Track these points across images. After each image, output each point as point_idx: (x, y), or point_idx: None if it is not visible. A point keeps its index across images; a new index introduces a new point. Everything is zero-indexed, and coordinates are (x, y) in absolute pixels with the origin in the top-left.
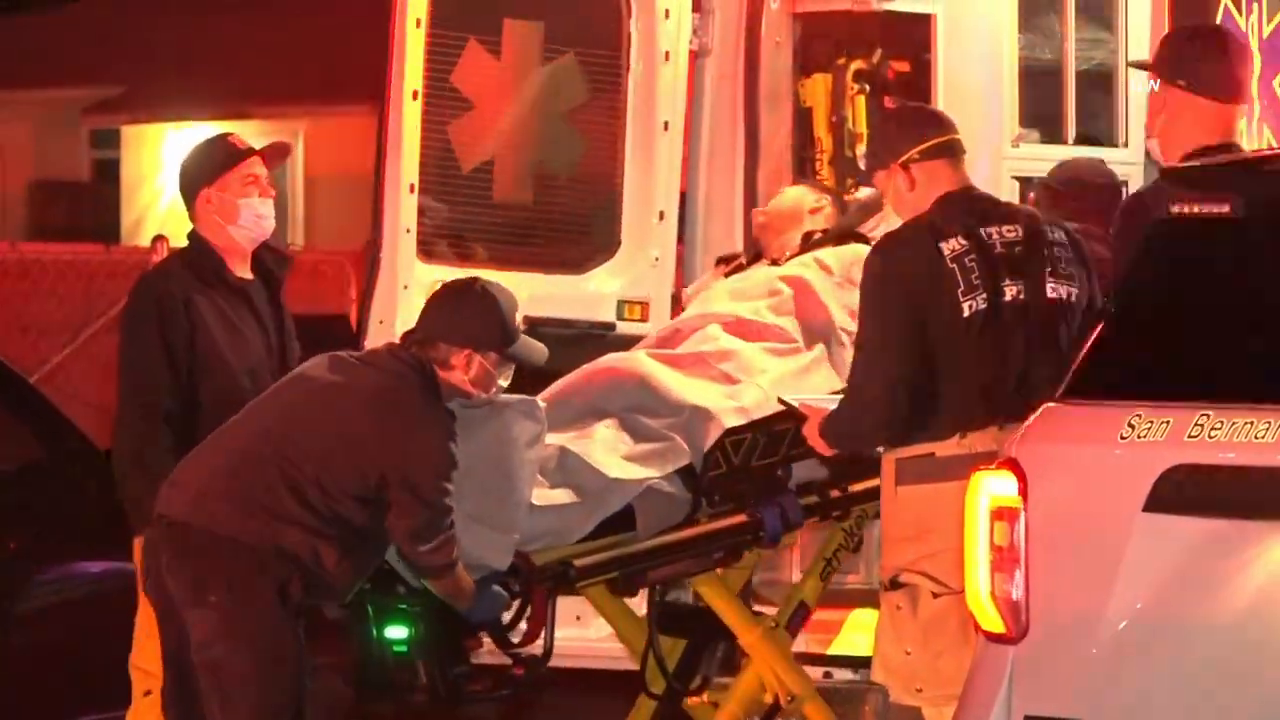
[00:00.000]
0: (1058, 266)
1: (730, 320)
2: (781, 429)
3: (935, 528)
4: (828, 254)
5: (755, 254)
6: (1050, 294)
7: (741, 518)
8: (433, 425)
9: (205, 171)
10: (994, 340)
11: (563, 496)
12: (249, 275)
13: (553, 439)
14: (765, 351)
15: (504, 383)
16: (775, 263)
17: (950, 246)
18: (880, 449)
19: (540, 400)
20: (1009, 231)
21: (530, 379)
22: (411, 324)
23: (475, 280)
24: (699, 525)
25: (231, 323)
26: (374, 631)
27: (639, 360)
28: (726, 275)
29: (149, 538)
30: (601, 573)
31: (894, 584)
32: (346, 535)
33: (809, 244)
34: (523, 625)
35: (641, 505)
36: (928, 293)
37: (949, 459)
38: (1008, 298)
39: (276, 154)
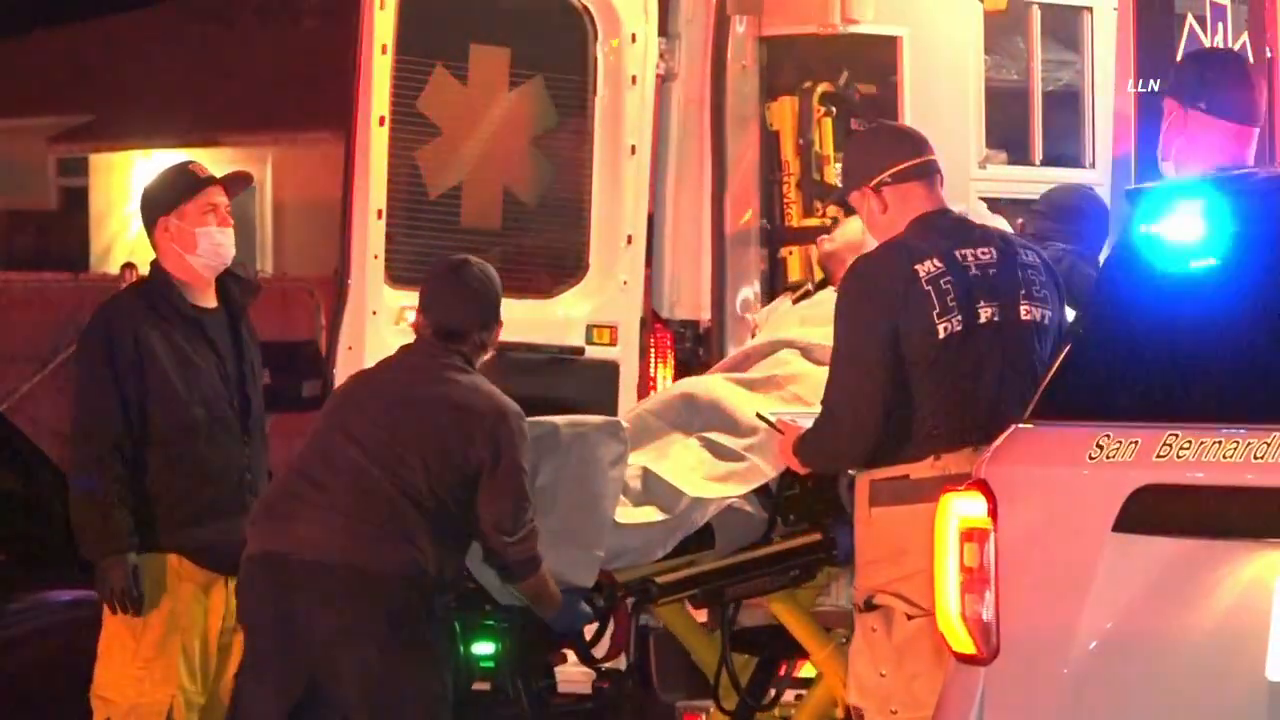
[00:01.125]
0: (1031, 289)
1: (801, 345)
2: None
3: (910, 549)
4: None
5: (822, 281)
6: (1024, 315)
7: (816, 536)
8: (511, 412)
9: (164, 200)
10: (969, 362)
11: (645, 515)
12: (211, 304)
13: (634, 459)
14: None
15: None
16: None
17: (925, 268)
18: (853, 470)
19: (623, 421)
20: (983, 254)
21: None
22: (381, 351)
23: (453, 261)
24: (775, 544)
25: (185, 354)
26: (461, 648)
27: (714, 383)
28: (795, 302)
29: (253, 573)
30: (683, 590)
31: (869, 605)
32: (459, 540)
33: None
34: (606, 640)
35: (721, 524)
36: (903, 314)
37: (924, 480)
38: (982, 319)
39: (237, 183)
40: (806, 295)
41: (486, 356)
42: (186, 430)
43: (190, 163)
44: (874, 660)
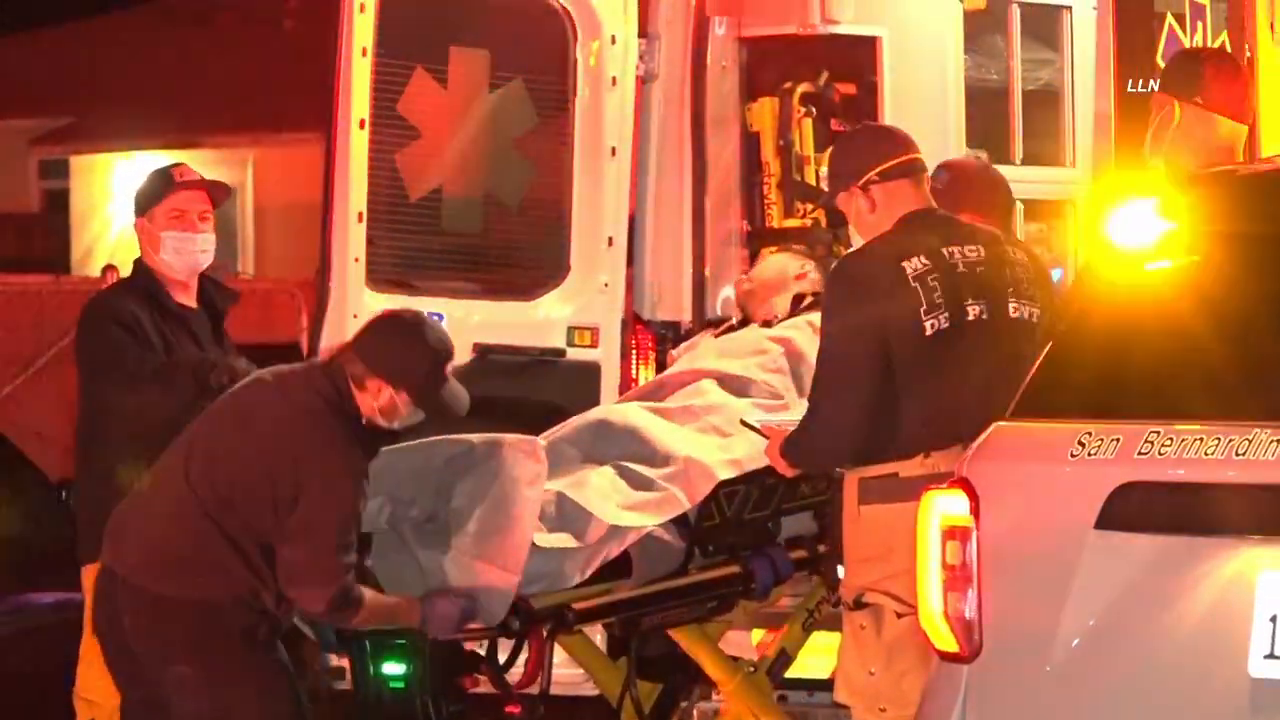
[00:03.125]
0: (1019, 286)
1: (718, 375)
2: (773, 482)
3: (899, 547)
4: (818, 317)
5: (744, 319)
6: (1013, 313)
7: (734, 568)
8: (336, 454)
9: (140, 201)
10: (957, 359)
11: (562, 541)
12: (191, 303)
13: (550, 485)
14: (754, 406)
15: (413, 419)
16: (767, 324)
17: (913, 266)
18: (840, 470)
19: (541, 440)
20: (971, 251)
21: (482, 411)
22: None
23: (420, 318)
24: (693, 575)
25: (170, 345)
26: (371, 668)
27: (631, 411)
28: (716, 336)
29: (102, 585)
30: (599, 617)
31: (858, 604)
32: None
33: (799, 308)
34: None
35: (638, 552)
36: (890, 312)
37: (913, 479)
38: (970, 317)
39: (216, 190)
40: (730, 330)
41: (369, 408)
42: (166, 425)
43: (176, 165)
44: (863, 658)
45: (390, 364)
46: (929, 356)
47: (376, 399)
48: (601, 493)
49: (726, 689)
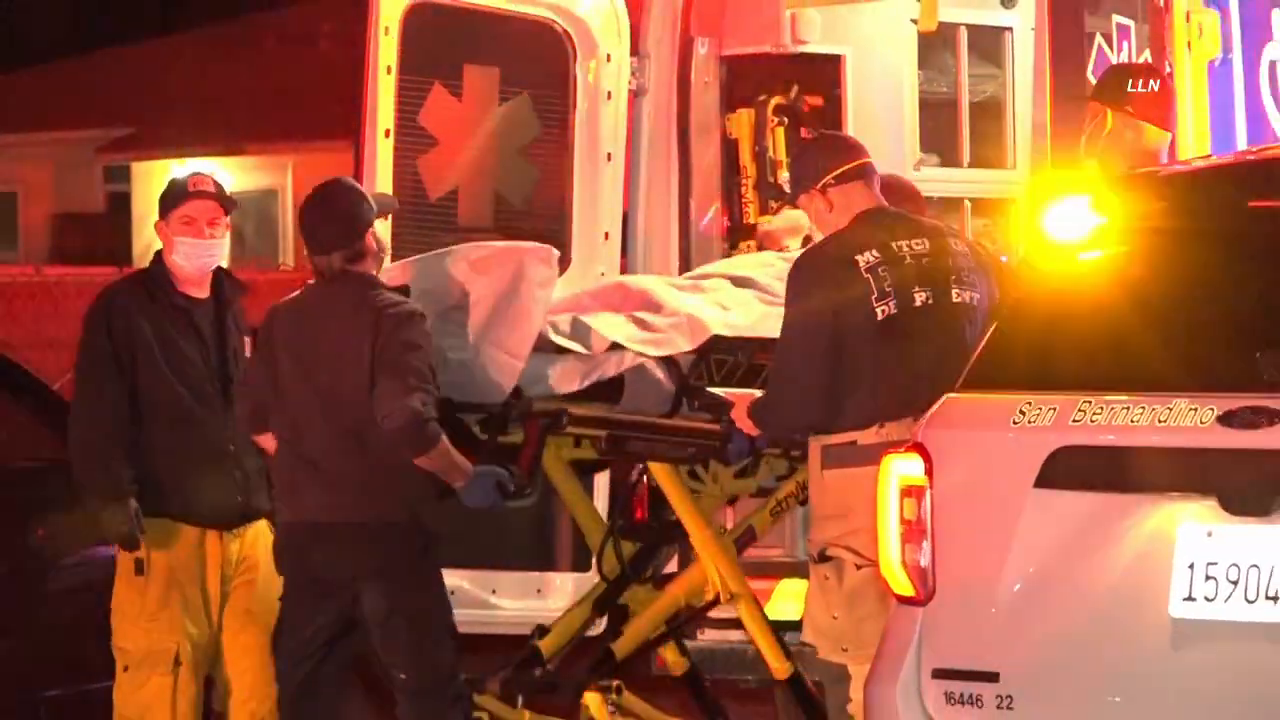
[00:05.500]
0: (961, 275)
1: (729, 276)
2: (760, 364)
3: (857, 508)
4: None
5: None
6: (955, 299)
7: (715, 428)
8: (392, 308)
9: (160, 206)
10: (906, 341)
11: (572, 345)
12: (202, 294)
13: (566, 316)
14: (755, 298)
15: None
16: None
17: (864, 259)
18: (803, 436)
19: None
20: (917, 245)
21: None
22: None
23: (325, 189)
24: (676, 419)
25: (171, 337)
26: None
27: (646, 279)
28: None
29: (286, 538)
30: (591, 427)
31: (822, 557)
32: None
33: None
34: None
35: (632, 380)
36: (845, 300)
37: (870, 446)
38: (917, 303)
39: (225, 201)
40: None
41: (375, 258)
42: (172, 405)
43: (192, 175)
44: (827, 605)
45: (360, 220)
46: (881, 338)
47: (369, 254)
48: (611, 322)
49: (698, 539)
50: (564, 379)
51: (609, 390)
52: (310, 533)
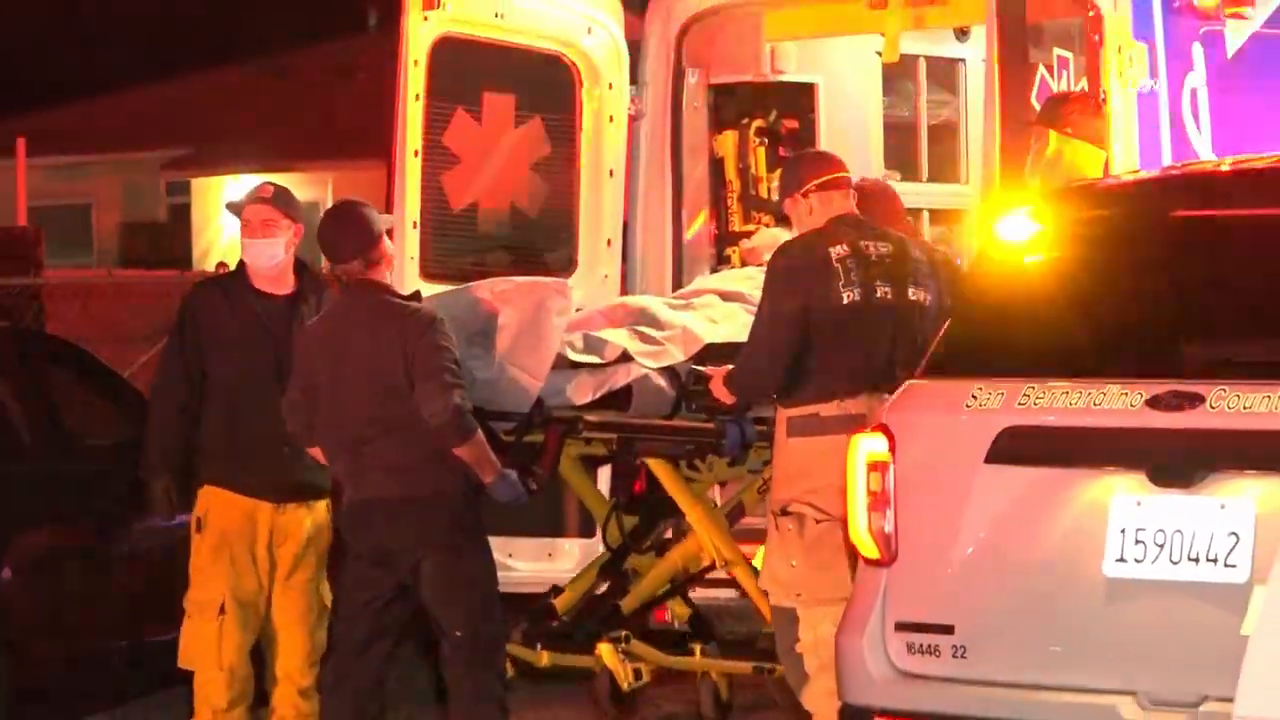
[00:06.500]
0: (918, 277)
1: (718, 291)
2: None
3: (816, 470)
4: None
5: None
6: (911, 296)
7: (710, 425)
8: (414, 314)
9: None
10: (866, 326)
11: (587, 358)
12: (278, 290)
13: (578, 334)
14: (741, 310)
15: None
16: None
17: (837, 251)
18: (771, 406)
19: (570, 286)
20: (882, 247)
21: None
22: None
23: (336, 207)
24: (677, 421)
25: (236, 332)
26: None
27: (644, 298)
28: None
29: (353, 516)
30: (603, 430)
31: (784, 512)
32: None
33: None
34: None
35: (638, 389)
36: (816, 283)
37: (830, 418)
38: (878, 295)
39: (279, 203)
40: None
41: (388, 264)
42: (230, 392)
43: (260, 186)
44: (786, 553)
45: (370, 232)
46: (844, 322)
47: (383, 260)
48: (617, 335)
49: (692, 516)
50: (579, 391)
51: (618, 399)
52: (375, 509)
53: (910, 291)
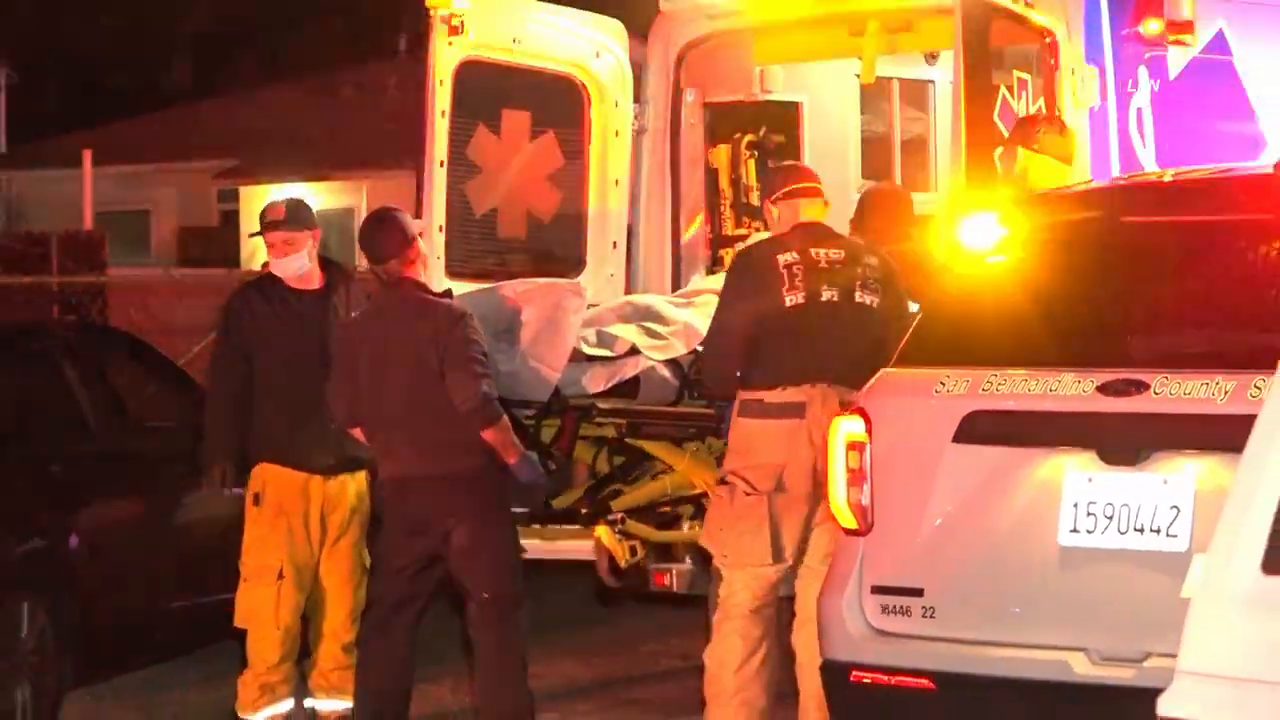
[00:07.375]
0: (867, 282)
1: (711, 291)
2: None
3: (755, 448)
4: None
5: None
6: (858, 299)
7: (709, 412)
8: (444, 307)
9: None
10: (808, 326)
11: (600, 351)
12: (308, 286)
13: (591, 330)
14: None
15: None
16: None
17: (784, 259)
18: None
19: (584, 287)
20: (834, 254)
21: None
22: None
23: (376, 213)
24: (680, 408)
25: (277, 326)
26: None
27: (649, 296)
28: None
29: (388, 493)
30: (614, 416)
31: (722, 481)
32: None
33: None
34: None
35: (645, 379)
36: (763, 286)
37: (772, 404)
38: (824, 298)
39: (292, 220)
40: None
41: (422, 265)
42: (277, 379)
43: (269, 205)
44: (719, 519)
45: (405, 233)
46: (788, 321)
47: (418, 260)
48: (626, 330)
49: (680, 466)
50: (593, 381)
51: (628, 388)
52: (410, 483)
53: (858, 295)
